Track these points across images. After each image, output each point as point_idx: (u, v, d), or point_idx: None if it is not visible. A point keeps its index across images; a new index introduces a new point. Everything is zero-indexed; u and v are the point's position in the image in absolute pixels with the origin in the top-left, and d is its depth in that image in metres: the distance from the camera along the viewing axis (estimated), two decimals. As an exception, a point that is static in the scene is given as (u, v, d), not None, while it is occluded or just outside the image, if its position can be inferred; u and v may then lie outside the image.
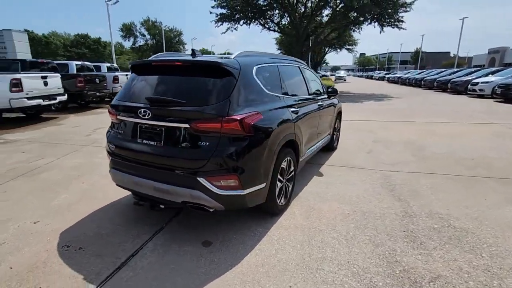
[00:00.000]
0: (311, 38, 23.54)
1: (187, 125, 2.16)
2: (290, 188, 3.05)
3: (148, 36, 49.14)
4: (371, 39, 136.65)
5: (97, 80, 10.85)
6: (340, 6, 18.13)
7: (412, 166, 4.35)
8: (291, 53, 22.90)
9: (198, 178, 2.16)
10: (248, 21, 19.90)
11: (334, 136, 5.08)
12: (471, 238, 2.50)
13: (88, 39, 61.84)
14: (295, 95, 3.27)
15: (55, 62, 11.77)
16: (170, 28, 49.63)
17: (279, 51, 48.59)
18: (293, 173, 3.06)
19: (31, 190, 3.46)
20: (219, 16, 19.70)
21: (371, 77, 56.67)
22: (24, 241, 2.42)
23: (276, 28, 21.65)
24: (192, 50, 2.62)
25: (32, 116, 8.93)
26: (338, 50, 42.96)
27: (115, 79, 12.33)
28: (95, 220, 2.79)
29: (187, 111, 2.17)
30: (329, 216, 2.89)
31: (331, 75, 59.16)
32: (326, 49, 46.64)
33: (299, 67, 3.72)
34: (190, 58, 2.46)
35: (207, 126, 2.13)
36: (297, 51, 21.56)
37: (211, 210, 2.28)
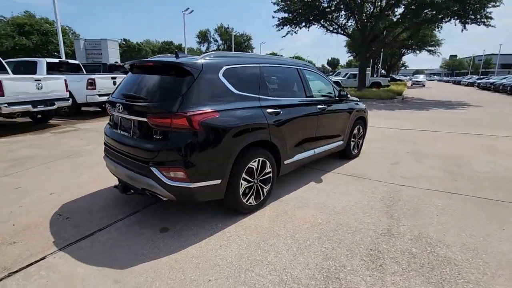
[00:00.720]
0: (380, 39, 21.83)
1: (145, 119, 2.39)
2: (265, 190, 3.02)
3: (220, 42, 52.75)
4: (465, 38, 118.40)
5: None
6: (412, 2, 16.39)
7: (435, 183, 3.77)
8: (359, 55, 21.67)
9: (151, 168, 2.37)
10: (308, 24, 19.62)
11: (353, 143, 4.74)
12: (449, 270, 2.10)
13: (172, 46, 69.82)
14: (282, 97, 3.22)
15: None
16: (240, 33, 52.37)
17: (348, 54, 46.42)
18: (270, 174, 3.03)
19: (64, 169, 4.22)
20: (280, 20, 19.96)
21: (458, 83, 49.36)
22: (35, 207, 3.02)
23: (339, 30, 20.79)
24: (175, 52, 2.85)
25: (105, 109, 10.64)
26: (417, 51, 38.74)
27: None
28: (94, 197, 3.27)
29: (146, 106, 2.41)
30: (297, 222, 2.77)
31: (409, 79, 53.54)
32: (402, 51, 42.60)
33: (297, 69, 3.62)
34: (167, 59, 2.70)
35: (160, 121, 2.32)
36: (362, 54, 20.33)
37: (165, 199, 2.46)
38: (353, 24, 20.96)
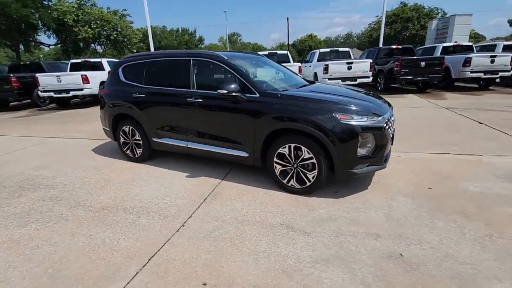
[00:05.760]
0: None
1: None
2: (138, 151, 4.24)
3: None
4: None
5: (422, 64, 10.24)
6: None
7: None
8: None
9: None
10: None
11: (281, 167, 3.08)
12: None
13: None
14: (153, 85, 3.87)
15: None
16: None
17: None
18: (140, 142, 4.16)
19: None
20: None
21: None
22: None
23: None
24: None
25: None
26: None
27: (466, 63, 10.29)
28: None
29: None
30: (107, 175, 3.92)
31: None
32: None
33: (187, 60, 3.59)
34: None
35: (100, 92, 4.75)
36: None
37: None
38: None
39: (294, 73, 4.49)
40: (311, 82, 4.23)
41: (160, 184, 3.53)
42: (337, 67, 10.44)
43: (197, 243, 2.34)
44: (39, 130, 6.97)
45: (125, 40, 22.69)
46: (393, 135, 3.16)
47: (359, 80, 10.48)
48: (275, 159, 3.10)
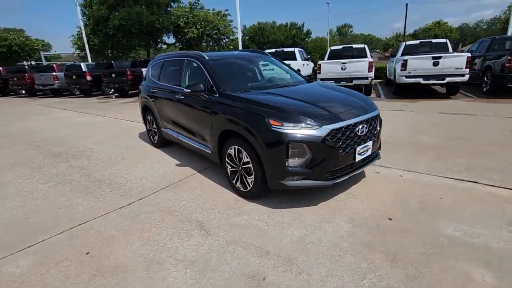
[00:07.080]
0: None
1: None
2: (155, 138, 4.97)
3: None
4: None
5: (553, 59, 7.38)
6: None
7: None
8: None
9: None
10: None
11: (230, 167, 3.12)
12: (43, 180, 3.86)
13: None
14: (163, 82, 4.40)
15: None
16: None
17: None
18: (156, 129, 4.87)
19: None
20: None
21: None
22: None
23: None
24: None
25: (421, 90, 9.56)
26: None
27: None
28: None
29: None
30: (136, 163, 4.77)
31: None
32: None
33: (183, 60, 3.94)
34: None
35: (147, 86, 5.67)
36: None
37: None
38: None
39: (298, 72, 4.23)
40: (310, 81, 3.94)
41: (151, 168, 4.10)
42: (419, 63, 8.74)
43: (120, 221, 2.73)
44: (125, 114, 8.85)
45: (224, 38, 25.39)
46: (353, 148, 2.67)
47: (448, 79, 8.50)
48: (226, 159, 3.15)
